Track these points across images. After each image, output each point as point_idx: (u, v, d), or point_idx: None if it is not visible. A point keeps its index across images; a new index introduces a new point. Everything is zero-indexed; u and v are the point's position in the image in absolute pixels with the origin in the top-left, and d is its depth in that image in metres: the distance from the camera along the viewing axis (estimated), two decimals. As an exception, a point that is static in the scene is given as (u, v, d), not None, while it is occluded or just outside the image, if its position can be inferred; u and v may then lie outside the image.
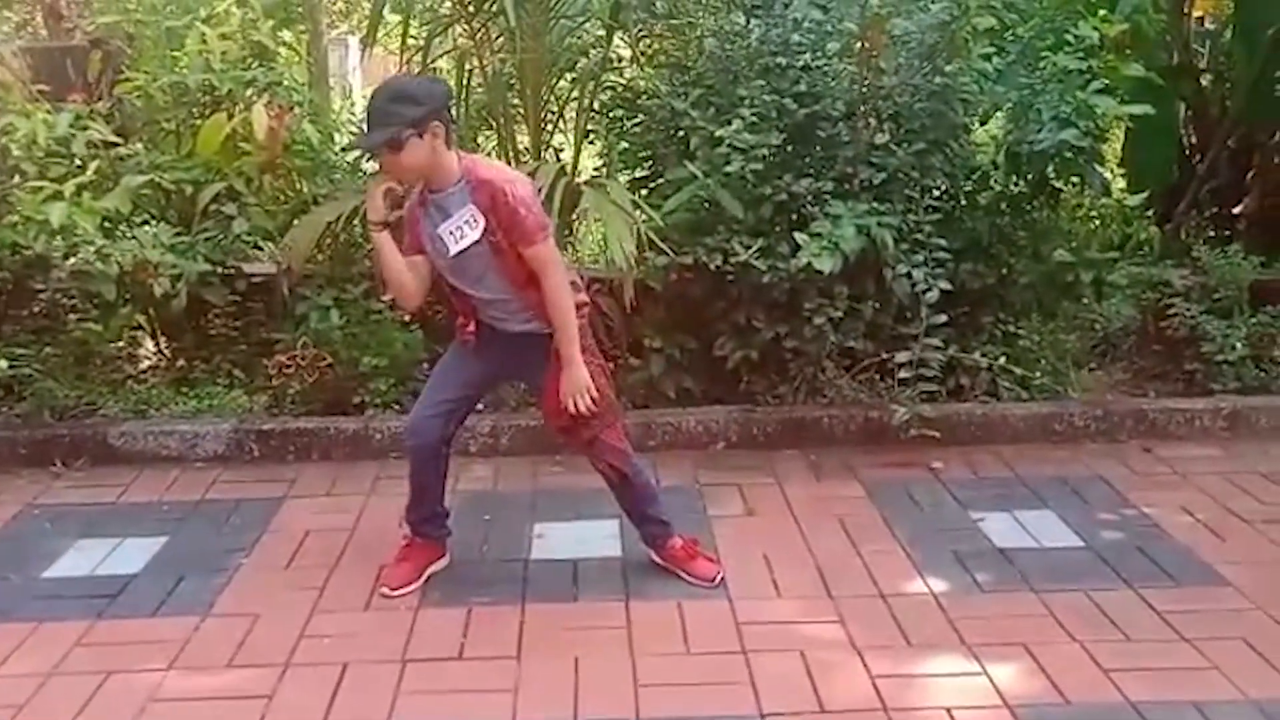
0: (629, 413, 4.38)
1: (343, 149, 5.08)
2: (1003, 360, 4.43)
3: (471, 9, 4.70)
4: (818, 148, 4.45)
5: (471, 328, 3.20)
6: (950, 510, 3.83)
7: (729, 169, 4.16)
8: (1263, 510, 3.79)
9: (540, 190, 4.33)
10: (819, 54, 4.47)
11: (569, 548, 3.54)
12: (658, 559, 3.40)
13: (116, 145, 4.60)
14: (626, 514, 3.43)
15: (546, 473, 4.13)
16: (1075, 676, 2.81)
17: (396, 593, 3.25)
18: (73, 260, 4.33)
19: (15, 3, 7.35)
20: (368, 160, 5.00)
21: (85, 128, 4.48)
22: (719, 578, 3.31)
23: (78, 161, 4.42)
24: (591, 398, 3.07)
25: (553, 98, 5.02)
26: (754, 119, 4.21)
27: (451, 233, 2.99)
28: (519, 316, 3.12)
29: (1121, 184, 6.19)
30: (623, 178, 4.82)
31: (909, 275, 4.18)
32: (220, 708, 2.74)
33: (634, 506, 3.38)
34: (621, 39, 5.00)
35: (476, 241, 2.97)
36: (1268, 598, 3.19)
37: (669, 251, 4.22)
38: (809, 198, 4.30)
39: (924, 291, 4.13)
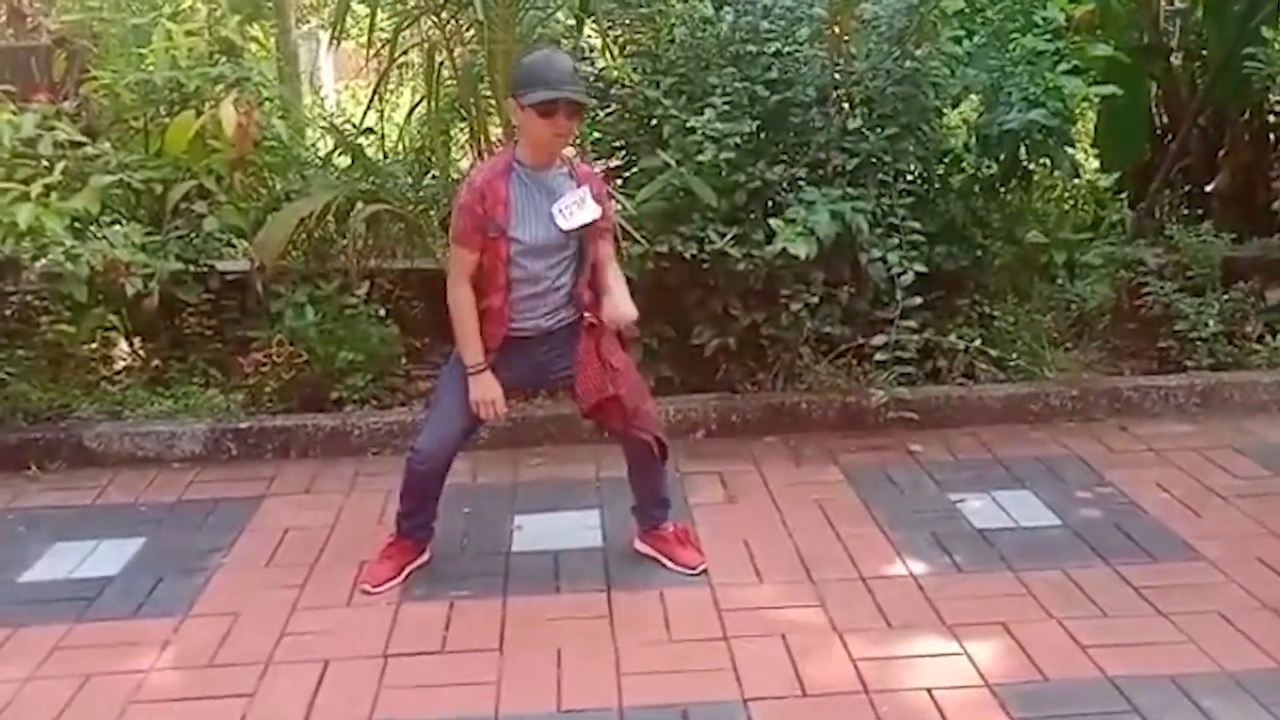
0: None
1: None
2: (979, 342, 4.45)
3: (440, 1, 4.67)
4: (790, 134, 4.45)
5: (492, 345, 3.13)
6: (929, 492, 3.85)
7: (702, 157, 4.15)
8: (1236, 485, 3.83)
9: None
10: (789, 40, 4.47)
11: (550, 539, 3.54)
12: (642, 544, 3.41)
13: (84, 145, 4.56)
14: (642, 495, 3.41)
15: (526, 465, 4.13)
16: (1054, 654, 2.84)
17: (377, 590, 3.24)
18: (42, 262, 4.29)
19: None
20: (339, 156, 4.98)
21: (52, 128, 4.43)
22: (701, 568, 3.32)
23: (45, 162, 4.37)
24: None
25: (524, 89, 4.98)
26: (726, 107, 4.21)
27: (562, 211, 3.05)
28: (570, 305, 3.17)
29: (1095, 164, 6.23)
30: (596, 167, 4.81)
31: (884, 259, 4.20)
32: (201, 707, 2.73)
33: (656, 485, 3.39)
34: (592, 28, 4.98)
35: (587, 224, 3.06)
36: (1242, 571, 3.22)
37: (643, 241, 4.21)
38: (782, 184, 4.31)
39: (899, 275, 4.14)
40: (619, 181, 4.74)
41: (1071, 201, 5.62)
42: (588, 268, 3.17)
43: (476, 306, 3.11)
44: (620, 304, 3.10)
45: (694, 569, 3.31)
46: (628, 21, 4.72)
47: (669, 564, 3.34)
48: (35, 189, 4.16)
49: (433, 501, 3.31)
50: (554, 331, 3.18)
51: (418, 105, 5.52)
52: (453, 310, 3.11)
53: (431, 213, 4.99)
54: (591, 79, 4.88)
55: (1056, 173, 4.86)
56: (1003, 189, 4.67)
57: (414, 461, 3.21)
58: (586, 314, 3.18)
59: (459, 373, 3.16)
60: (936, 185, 4.64)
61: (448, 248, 5.11)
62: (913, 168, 4.53)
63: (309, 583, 3.31)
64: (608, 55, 4.98)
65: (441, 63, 4.85)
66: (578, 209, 3.07)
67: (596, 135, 4.88)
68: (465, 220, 3.07)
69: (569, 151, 3.20)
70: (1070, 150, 4.56)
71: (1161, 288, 4.84)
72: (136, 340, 4.82)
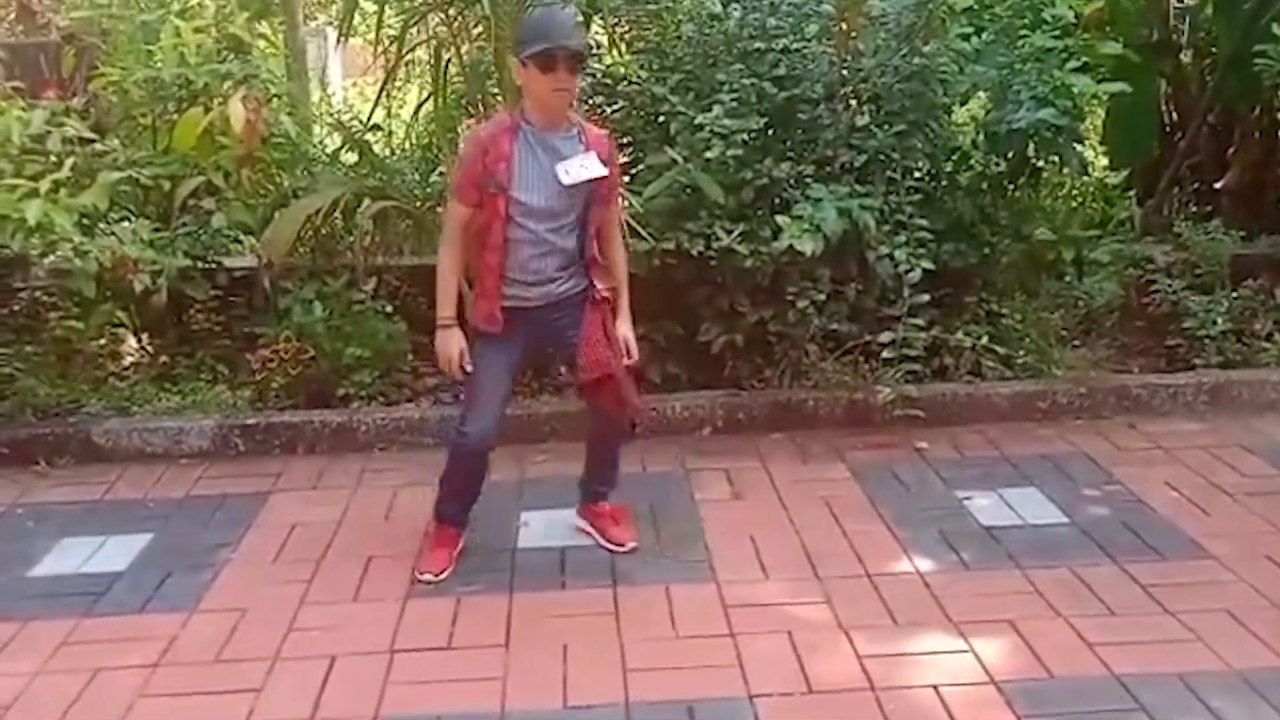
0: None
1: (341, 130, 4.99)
2: (986, 339, 4.44)
3: (448, -3, 4.67)
4: (798, 131, 4.45)
5: (499, 313, 3.15)
6: (936, 490, 3.84)
7: (709, 154, 4.15)
8: (1244, 483, 3.82)
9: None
10: (797, 37, 4.46)
11: (556, 535, 3.54)
12: (580, 519, 3.53)
13: (93, 141, 4.58)
14: (598, 472, 3.48)
15: (532, 462, 4.13)
16: (1061, 652, 2.83)
17: (439, 578, 3.26)
18: (51, 258, 4.30)
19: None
20: (346, 152, 4.98)
21: (61, 124, 4.45)
22: (632, 546, 3.41)
23: (53, 158, 4.39)
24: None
25: (531, 86, 4.98)
26: (734, 103, 4.20)
27: (567, 169, 3.05)
28: (579, 273, 3.18)
29: (1103, 161, 6.21)
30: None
31: (891, 256, 4.19)
32: (208, 702, 2.73)
33: (615, 464, 3.48)
34: (599, 25, 4.98)
35: (592, 180, 3.06)
36: (1250, 569, 3.21)
37: (650, 238, 4.21)
38: (790, 181, 4.30)
39: (906, 272, 4.13)
40: (626, 179, 4.74)
41: (1080, 199, 5.59)
42: (593, 231, 3.17)
43: (477, 261, 3.14)
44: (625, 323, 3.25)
45: (623, 547, 3.40)
46: (635, 18, 4.72)
47: (601, 540, 3.43)
48: (44, 185, 4.18)
49: (479, 481, 3.34)
50: (565, 299, 3.19)
51: (425, 102, 5.54)
52: (441, 263, 3.15)
53: (438, 209, 4.99)
54: (599, 75, 4.88)
55: (1065, 170, 4.84)
56: (1011, 186, 4.66)
57: (464, 445, 3.23)
58: (598, 285, 3.19)
59: (484, 349, 3.18)
60: (944, 182, 4.63)
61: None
62: (920, 165, 4.52)
63: (316, 578, 3.32)
64: (615, 52, 4.98)
65: (449, 59, 4.85)
66: (582, 170, 3.07)
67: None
68: (464, 172, 3.10)
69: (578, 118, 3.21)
70: (1079, 147, 4.54)
71: (1170, 285, 4.82)
72: (144, 336, 4.83)
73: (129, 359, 4.81)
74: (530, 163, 3.06)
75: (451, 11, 4.69)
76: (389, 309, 4.57)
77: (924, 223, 4.26)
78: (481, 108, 4.89)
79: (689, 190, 4.29)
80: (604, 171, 3.09)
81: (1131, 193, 5.85)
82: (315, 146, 5.08)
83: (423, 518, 3.67)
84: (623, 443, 3.45)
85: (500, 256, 3.09)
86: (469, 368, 3.19)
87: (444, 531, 3.39)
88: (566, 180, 3.04)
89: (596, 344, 3.18)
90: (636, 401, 3.33)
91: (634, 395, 3.31)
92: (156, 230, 4.46)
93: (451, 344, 3.16)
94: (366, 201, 4.52)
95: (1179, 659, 2.78)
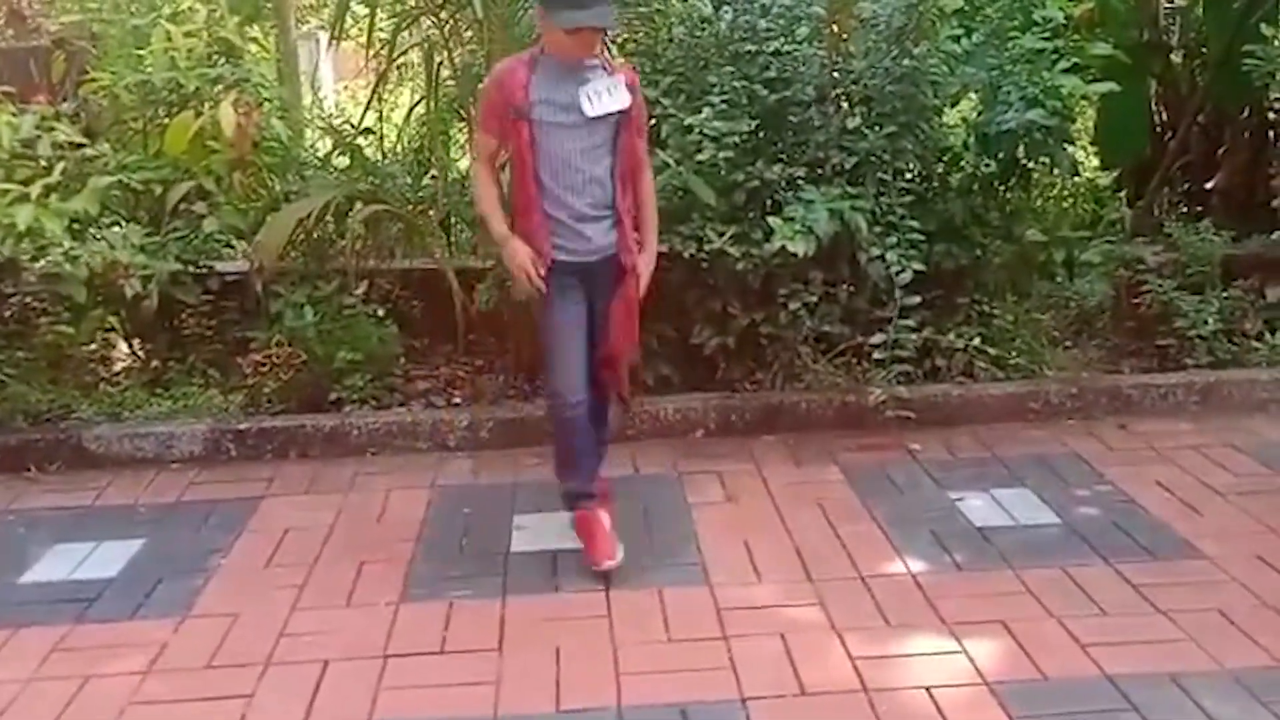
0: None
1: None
2: (978, 340, 4.44)
3: (439, 1, 4.67)
4: (789, 133, 4.45)
5: (549, 248, 3.16)
6: (928, 491, 3.84)
7: (700, 156, 4.15)
8: (1235, 483, 3.83)
9: (510, 182, 4.32)
10: (788, 39, 4.45)
11: (549, 539, 3.53)
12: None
13: (83, 146, 4.56)
14: (600, 444, 3.48)
15: (526, 465, 4.12)
16: (1053, 652, 2.84)
17: (616, 561, 3.22)
18: (41, 263, 4.29)
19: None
20: (338, 156, 4.98)
21: (51, 129, 4.43)
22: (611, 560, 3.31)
23: (44, 163, 4.37)
24: None
25: (523, 88, 4.98)
26: (724, 106, 4.20)
27: (589, 95, 3.05)
28: (605, 215, 3.18)
29: (1094, 162, 6.23)
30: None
31: (883, 258, 4.19)
32: (200, 709, 2.73)
33: (601, 435, 3.48)
34: (591, 28, 4.97)
35: (617, 112, 3.07)
36: (1242, 569, 3.22)
37: (643, 240, 4.21)
38: (781, 183, 4.30)
39: (898, 274, 4.13)
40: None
41: (1071, 199, 5.62)
42: (623, 164, 3.18)
43: (518, 197, 3.18)
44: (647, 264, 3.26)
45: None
46: (626, 20, 4.72)
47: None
48: (34, 190, 4.17)
49: (592, 442, 3.34)
50: (605, 259, 3.21)
51: (416, 105, 5.53)
52: (477, 192, 3.21)
53: (430, 213, 4.99)
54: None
55: (1055, 171, 4.86)
56: (1002, 187, 4.67)
57: (561, 408, 3.23)
58: (626, 256, 3.22)
59: (549, 305, 3.18)
60: (935, 184, 4.63)
61: (446, 248, 5.16)
62: (911, 166, 4.52)
63: (308, 583, 3.31)
64: (606, 55, 4.97)
65: (440, 63, 4.85)
66: (606, 96, 3.07)
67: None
68: (483, 105, 3.24)
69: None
70: (1069, 148, 4.55)
71: (1161, 286, 4.83)
72: (136, 341, 4.82)
73: (120, 364, 4.81)
74: (550, 85, 3.09)
75: (443, 15, 4.70)
76: (381, 313, 4.56)
77: (915, 224, 4.26)
78: (472, 111, 4.88)
79: (680, 193, 4.29)
80: (628, 101, 3.09)
81: (1122, 193, 5.88)
82: (307, 150, 5.08)
83: (415, 522, 3.68)
84: (606, 414, 3.50)
85: (535, 186, 3.11)
86: (542, 286, 3.16)
87: (586, 515, 3.34)
88: (591, 111, 3.06)
89: (623, 318, 3.27)
90: (625, 378, 3.45)
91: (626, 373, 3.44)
92: (147, 235, 4.45)
93: (519, 253, 3.14)
94: (358, 205, 4.52)
95: (1171, 659, 2.79)
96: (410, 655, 2.92)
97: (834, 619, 3.03)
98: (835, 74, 4.41)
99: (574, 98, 3.06)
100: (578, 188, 3.14)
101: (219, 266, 4.73)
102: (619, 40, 4.91)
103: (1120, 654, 2.81)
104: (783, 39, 4.44)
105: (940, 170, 4.65)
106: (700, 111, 4.20)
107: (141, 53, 4.83)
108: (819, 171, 4.35)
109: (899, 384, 4.22)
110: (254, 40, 5.79)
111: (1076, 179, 5.43)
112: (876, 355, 4.20)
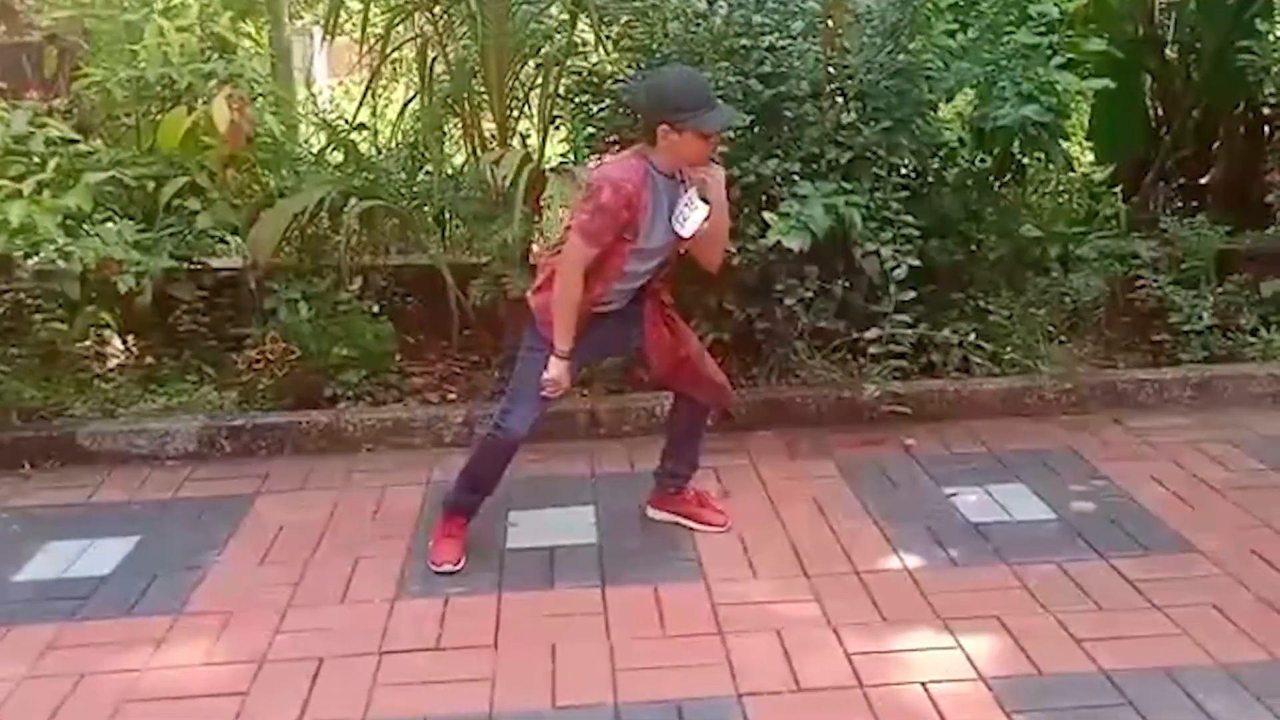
0: (604, 397, 4.38)
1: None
2: (973, 336, 4.44)
3: (433, -4, 4.67)
4: (784, 128, 4.44)
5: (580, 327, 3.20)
6: (923, 486, 3.85)
7: (696, 152, 4.14)
8: (1230, 478, 3.83)
9: (505, 178, 4.33)
10: (783, 34, 4.46)
11: (544, 536, 3.53)
12: (660, 510, 3.59)
13: (76, 142, 4.54)
14: (681, 457, 3.58)
15: (521, 461, 4.10)
16: (1048, 648, 2.84)
17: (458, 566, 3.29)
18: (35, 260, 4.28)
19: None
20: (332, 152, 4.96)
21: (43, 125, 4.42)
22: (727, 525, 3.51)
23: (36, 159, 4.36)
24: None
25: (517, 84, 4.99)
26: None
27: (678, 218, 3.12)
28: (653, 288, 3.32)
29: (1089, 157, 6.22)
30: (589, 163, 4.80)
31: (878, 253, 4.18)
32: (195, 706, 2.72)
33: (697, 448, 3.59)
34: (585, 23, 4.97)
35: (700, 226, 3.13)
36: (1236, 564, 3.23)
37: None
38: (777, 179, 4.29)
39: (893, 269, 4.13)
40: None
41: (1066, 195, 5.60)
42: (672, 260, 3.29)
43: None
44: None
45: (721, 527, 3.50)
46: (622, 16, 4.71)
47: (694, 525, 3.49)
48: (27, 186, 4.15)
49: (501, 476, 3.39)
50: (625, 310, 3.29)
51: (411, 101, 5.52)
52: (563, 300, 3.11)
53: (425, 208, 4.99)
54: (585, 74, 4.88)
55: (1050, 166, 4.86)
56: (997, 183, 4.67)
57: (500, 439, 3.29)
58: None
59: (544, 356, 3.19)
60: (930, 179, 4.63)
61: (441, 244, 5.15)
62: (907, 162, 4.51)
63: (303, 580, 3.30)
64: (601, 50, 4.97)
65: (435, 58, 4.85)
66: (690, 212, 3.12)
67: (590, 131, 4.87)
68: (604, 221, 3.06)
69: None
70: (1064, 144, 4.55)
71: (1156, 281, 4.84)
72: (130, 338, 4.81)
73: (114, 361, 4.80)
74: (657, 210, 3.12)
75: (437, 10, 4.70)
76: (376, 309, 4.56)
77: (910, 219, 4.26)
78: (467, 106, 4.88)
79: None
80: (706, 211, 3.13)
81: (1117, 188, 5.86)
82: (301, 146, 5.07)
83: (411, 518, 3.67)
84: (703, 427, 3.57)
85: (605, 290, 3.17)
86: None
87: (454, 522, 3.39)
88: (685, 233, 3.12)
89: (659, 333, 3.32)
90: (718, 378, 3.48)
91: (717, 370, 3.47)
92: (141, 231, 4.43)
93: (565, 376, 3.18)
94: (352, 201, 4.52)
95: (1166, 654, 2.79)
96: (406, 652, 2.92)
97: (830, 615, 3.03)
98: (830, 69, 4.41)
99: (669, 218, 3.12)
100: (634, 287, 3.26)
101: (213, 263, 4.73)
102: (614, 36, 4.91)
103: (1115, 649, 2.81)
104: (777, 34, 4.44)
105: (935, 166, 4.65)
106: (695, 107, 4.18)
107: (134, 48, 4.82)
108: (814, 167, 4.34)
109: (895, 379, 4.22)
110: (247, 35, 5.78)
111: (1071, 174, 5.43)
112: (872, 350, 4.20)
